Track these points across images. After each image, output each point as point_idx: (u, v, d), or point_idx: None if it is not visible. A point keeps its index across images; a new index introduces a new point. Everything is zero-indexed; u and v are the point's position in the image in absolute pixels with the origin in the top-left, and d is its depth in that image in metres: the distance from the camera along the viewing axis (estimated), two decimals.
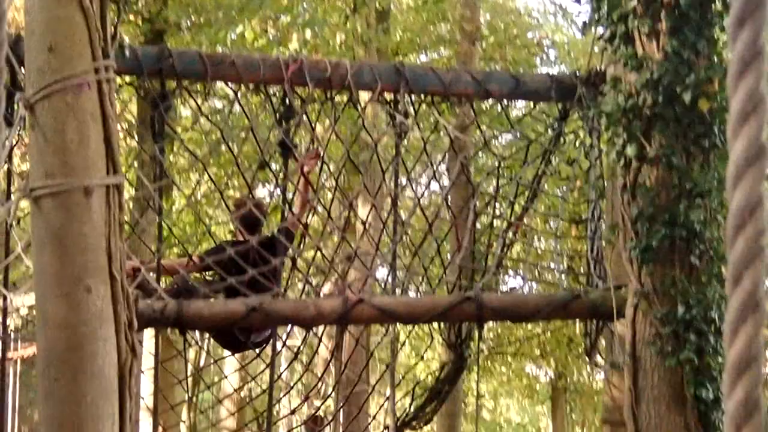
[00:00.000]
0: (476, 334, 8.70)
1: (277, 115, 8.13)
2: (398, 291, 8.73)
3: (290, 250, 8.75)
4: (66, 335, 3.52)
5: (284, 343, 9.83)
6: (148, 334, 11.74)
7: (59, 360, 3.53)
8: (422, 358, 17.92)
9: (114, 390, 3.66)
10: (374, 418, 9.18)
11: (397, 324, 10.08)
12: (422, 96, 8.28)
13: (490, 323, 10.06)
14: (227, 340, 9.55)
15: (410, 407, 8.67)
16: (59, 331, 3.53)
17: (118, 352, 3.68)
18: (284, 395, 13.00)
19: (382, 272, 11.81)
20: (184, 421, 21.22)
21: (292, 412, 8.62)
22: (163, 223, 8.95)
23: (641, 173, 6.71)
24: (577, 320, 22.05)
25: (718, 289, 6.25)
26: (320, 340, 10.37)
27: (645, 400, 6.39)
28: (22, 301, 11.99)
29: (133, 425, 3.86)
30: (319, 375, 19.45)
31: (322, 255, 9.72)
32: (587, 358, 8.66)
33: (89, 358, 3.54)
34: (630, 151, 6.70)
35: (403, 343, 13.42)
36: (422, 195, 11.20)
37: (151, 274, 7.94)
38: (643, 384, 6.42)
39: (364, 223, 10.11)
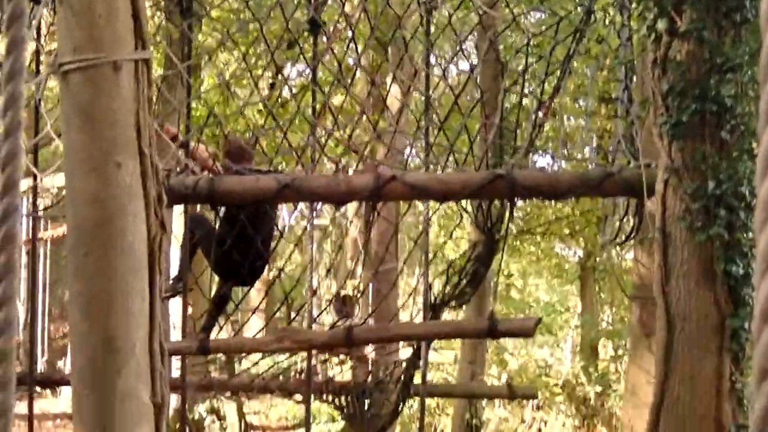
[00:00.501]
0: (507, 213, 8.69)
1: None
2: (429, 169, 8.72)
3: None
4: (95, 211, 3.52)
5: (311, 223, 9.84)
6: (177, 211, 11.81)
7: (89, 236, 3.54)
8: (451, 236, 17.99)
9: (144, 265, 3.68)
10: (411, 296, 9.27)
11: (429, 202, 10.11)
12: None
13: (520, 202, 10.05)
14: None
15: (445, 287, 8.68)
16: (88, 206, 3.53)
17: (147, 228, 3.69)
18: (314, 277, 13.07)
19: (408, 152, 11.79)
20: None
21: (313, 293, 8.67)
22: (192, 102, 8.96)
23: (672, 48, 6.62)
24: (607, 199, 22.09)
25: (749, 164, 6.20)
26: (348, 220, 10.42)
27: (675, 276, 6.39)
28: (52, 181, 12.07)
29: (162, 301, 3.89)
30: (348, 254, 19.50)
31: (351, 134, 9.71)
32: (618, 237, 8.63)
33: (119, 233, 3.55)
34: (661, 25, 6.60)
35: (431, 219, 13.46)
36: (449, 71, 11.11)
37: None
38: (673, 260, 6.41)
39: (384, 102, 10.09)
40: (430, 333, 9.18)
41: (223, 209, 9.79)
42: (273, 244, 10.24)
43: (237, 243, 9.33)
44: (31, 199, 9.62)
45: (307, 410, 9.81)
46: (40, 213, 8.95)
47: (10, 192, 1.85)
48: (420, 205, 10.09)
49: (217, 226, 9.75)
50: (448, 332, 8.92)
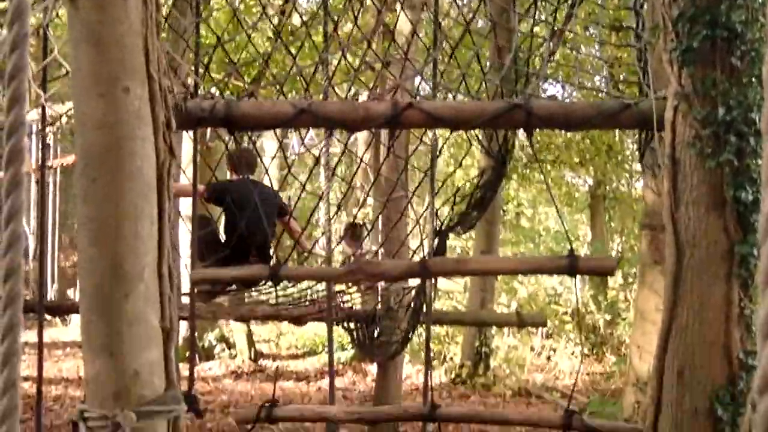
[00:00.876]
0: (516, 141, 8.69)
1: None
2: (438, 98, 8.69)
3: None
4: (104, 135, 3.52)
5: (326, 150, 9.83)
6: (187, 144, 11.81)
7: (97, 160, 3.53)
8: (461, 164, 17.98)
9: (152, 190, 3.68)
10: (418, 222, 9.23)
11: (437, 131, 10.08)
12: None
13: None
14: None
15: (452, 212, 8.68)
16: (97, 131, 3.52)
17: (156, 153, 3.69)
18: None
19: (417, 81, 11.76)
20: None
21: (329, 220, 8.69)
22: (201, 30, 8.91)
23: None
24: (618, 129, 22.03)
25: (759, 90, 6.17)
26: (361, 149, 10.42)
27: (684, 203, 6.38)
28: (61, 109, 12.06)
29: (171, 226, 3.89)
30: (357, 183, 19.51)
31: (361, 63, 9.67)
32: (640, 167, 8.62)
33: (127, 157, 3.54)
34: None
35: (441, 149, 13.43)
36: None
37: None
38: (683, 187, 6.39)
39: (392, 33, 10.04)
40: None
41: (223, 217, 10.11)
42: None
43: (234, 252, 9.57)
44: (39, 127, 9.61)
45: (330, 340, 9.85)
46: (49, 137, 8.92)
47: (17, 105, 1.85)
48: (429, 133, 10.07)
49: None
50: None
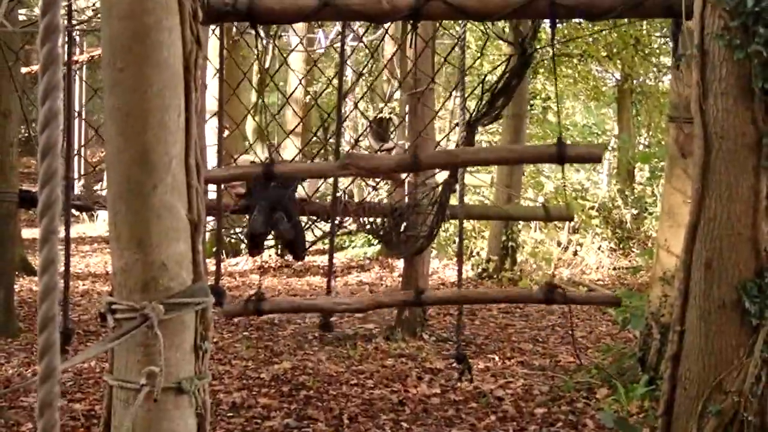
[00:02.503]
0: (539, 28, 8.62)
1: None
2: None
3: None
4: (130, 25, 3.49)
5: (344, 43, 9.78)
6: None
7: (124, 49, 3.51)
8: (482, 54, 17.83)
9: (180, 81, 3.66)
10: (436, 114, 9.19)
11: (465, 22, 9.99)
12: None
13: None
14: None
15: (480, 104, 8.63)
16: (123, 21, 3.50)
17: (183, 44, 3.67)
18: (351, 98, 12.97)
19: None
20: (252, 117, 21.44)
21: (355, 105, 8.64)
22: None
23: None
24: (645, 22, 21.74)
25: None
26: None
27: (713, 94, 6.33)
28: (86, 3, 12.00)
29: (199, 117, 3.89)
30: (385, 75, 19.42)
31: None
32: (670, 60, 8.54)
33: (154, 47, 3.52)
34: None
35: (467, 42, 13.31)
36: None
37: None
38: (711, 77, 6.33)
39: None
40: (500, 158, 9.19)
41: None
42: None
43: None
44: (66, 18, 9.59)
45: (332, 232, 9.92)
46: (76, 28, 8.90)
47: (51, 10, 1.84)
48: (458, 28, 10.00)
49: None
50: (516, 157, 8.93)
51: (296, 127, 16.54)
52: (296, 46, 20.51)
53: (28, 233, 21.04)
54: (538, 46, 8.83)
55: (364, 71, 19.41)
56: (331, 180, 11.51)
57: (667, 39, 21.24)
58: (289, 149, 17.39)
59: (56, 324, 1.86)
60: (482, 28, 11.25)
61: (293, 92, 18.01)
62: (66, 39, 10.23)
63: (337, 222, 10.12)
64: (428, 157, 8.29)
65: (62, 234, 8.77)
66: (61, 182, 1.84)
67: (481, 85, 8.68)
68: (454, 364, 10.36)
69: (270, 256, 22.22)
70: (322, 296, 13.70)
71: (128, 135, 3.58)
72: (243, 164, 10.75)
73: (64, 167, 9.40)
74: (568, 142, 7.36)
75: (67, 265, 8.71)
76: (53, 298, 1.81)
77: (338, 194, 10.67)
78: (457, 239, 14.58)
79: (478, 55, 17.68)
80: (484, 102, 8.47)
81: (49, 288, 1.83)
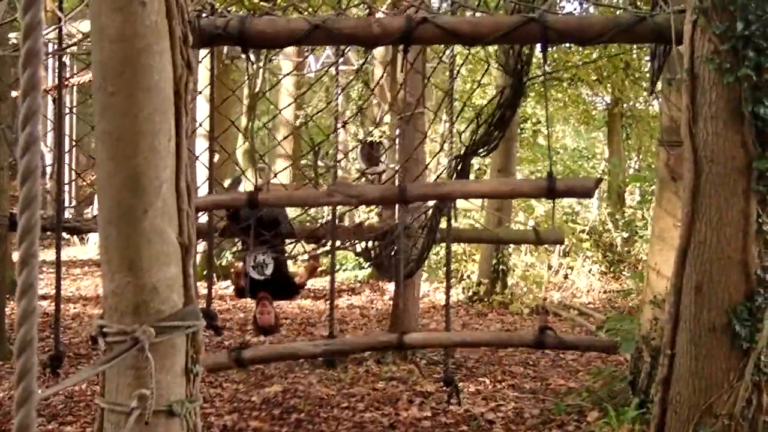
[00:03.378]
0: (532, 57, 8.65)
1: None
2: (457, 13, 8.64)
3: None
4: (121, 49, 3.50)
5: (336, 68, 9.78)
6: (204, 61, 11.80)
7: (114, 74, 3.52)
8: (479, 84, 17.90)
9: (170, 105, 3.67)
10: (441, 143, 9.17)
11: (455, 48, 10.02)
12: None
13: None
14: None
15: (475, 134, 8.65)
16: (114, 44, 3.51)
17: (173, 68, 3.67)
18: (341, 122, 13.00)
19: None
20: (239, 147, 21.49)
21: (343, 125, 8.65)
22: None
23: None
24: (635, 46, 21.84)
25: None
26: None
27: (703, 118, 6.36)
28: (77, 27, 12.02)
29: (189, 141, 3.89)
30: (375, 99, 19.45)
31: None
32: (651, 85, 8.57)
33: (145, 71, 3.53)
34: None
35: (460, 67, 13.35)
36: None
37: None
38: (701, 101, 6.37)
39: None
40: (489, 192, 9.19)
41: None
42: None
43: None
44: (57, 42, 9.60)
45: (333, 264, 9.91)
46: (66, 52, 8.89)
47: (33, 34, 1.84)
48: (447, 51, 10.02)
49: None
50: (507, 192, 8.93)
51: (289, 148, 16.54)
52: (289, 73, 20.55)
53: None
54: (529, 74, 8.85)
55: (354, 96, 19.47)
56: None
57: None
58: (282, 173, 17.39)
59: (34, 348, 1.85)
60: (473, 52, 11.30)
61: (282, 110, 18.00)
62: (57, 63, 10.24)
63: (334, 245, 10.10)
64: (414, 188, 8.30)
65: (53, 257, 8.76)
66: (39, 207, 1.84)
67: (476, 118, 8.72)
68: (444, 387, 10.35)
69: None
70: (301, 342, 13.74)
71: (119, 159, 3.58)
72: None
73: (56, 190, 9.40)
74: (559, 166, 7.38)
75: (57, 288, 8.69)
76: (32, 321, 1.80)
77: (328, 218, 10.71)
78: None
79: (469, 81, 17.74)
80: (480, 134, 8.51)
81: (28, 312, 1.83)
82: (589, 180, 7.69)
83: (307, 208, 16.71)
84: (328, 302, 16.85)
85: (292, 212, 12.86)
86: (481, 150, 8.77)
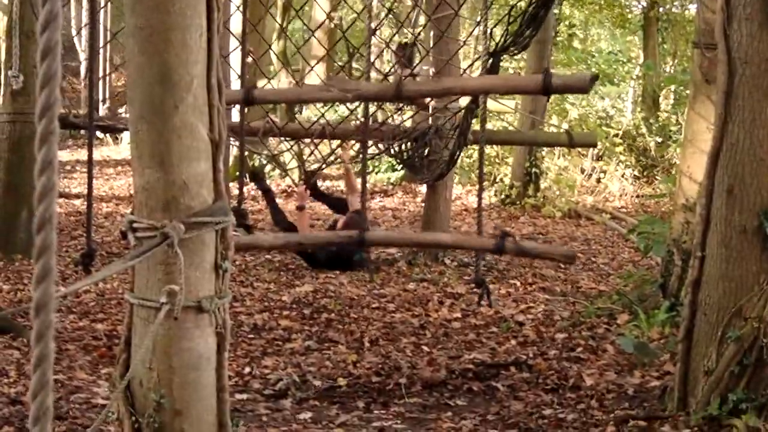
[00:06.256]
0: None
1: None
2: None
3: None
4: None
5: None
6: None
7: None
8: None
9: (201, 0, 3.67)
10: (464, 42, 9.11)
11: None
12: None
13: None
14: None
15: (506, 33, 8.55)
16: None
17: None
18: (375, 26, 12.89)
19: None
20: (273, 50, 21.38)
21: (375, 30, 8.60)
22: None
23: None
24: None
25: None
26: None
27: (737, 19, 6.28)
28: None
29: (221, 37, 3.89)
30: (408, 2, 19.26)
31: None
32: None
33: None
34: None
35: None
36: None
37: None
38: (736, 2, 6.28)
39: None
40: (483, 87, 9.14)
41: None
42: None
43: None
44: None
45: (363, 158, 9.89)
46: None
47: None
48: None
49: None
50: (501, 87, 8.86)
51: (324, 56, 16.47)
52: None
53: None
54: None
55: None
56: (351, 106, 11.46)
57: None
58: (314, 77, 17.33)
59: (53, 252, 1.86)
60: None
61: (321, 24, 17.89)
62: None
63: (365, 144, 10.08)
64: (412, 85, 8.26)
65: (86, 156, 8.79)
66: (57, 113, 1.84)
67: (508, 14, 8.60)
68: (475, 289, 10.39)
69: (293, 180, 22.23)
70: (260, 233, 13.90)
71: (150, 54, 3.59)
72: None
73: (88, 89, 9.41)
74: (593, 70, 7.31)
75: (90, 186, 8.71)
76: (50, 226, 1.82)
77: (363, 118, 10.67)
78: None
79: None
80: (510, 31, 8.40)
81: (47, 216, 1.84)
82: (585, 75, 7.61)
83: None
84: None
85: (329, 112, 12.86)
86: (512, 48, 8.66)
